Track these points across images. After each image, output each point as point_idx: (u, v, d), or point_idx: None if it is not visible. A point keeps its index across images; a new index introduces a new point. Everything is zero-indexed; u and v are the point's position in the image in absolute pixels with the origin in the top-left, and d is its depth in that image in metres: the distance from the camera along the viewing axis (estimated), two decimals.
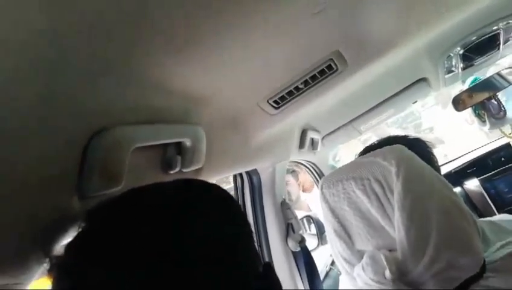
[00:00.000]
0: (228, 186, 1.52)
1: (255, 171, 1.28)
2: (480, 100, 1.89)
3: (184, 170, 0.68)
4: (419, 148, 0.83)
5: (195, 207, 0.43)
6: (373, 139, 1.79)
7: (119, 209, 0.42)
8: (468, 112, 2.48)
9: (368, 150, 0.79)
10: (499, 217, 0.90)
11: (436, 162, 0.89)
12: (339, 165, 2.17)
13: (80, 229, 0.41)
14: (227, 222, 0.45)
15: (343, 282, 0.72)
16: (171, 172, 0.66)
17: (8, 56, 0.34)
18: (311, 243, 1.47)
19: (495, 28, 1.23)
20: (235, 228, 0.46)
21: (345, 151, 2.93)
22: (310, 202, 2.36)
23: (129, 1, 0.38)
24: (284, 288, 0.46)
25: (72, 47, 0.39)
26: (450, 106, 1.95)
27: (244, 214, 0.52)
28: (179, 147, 0.67)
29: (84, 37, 0.39)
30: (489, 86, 1.80)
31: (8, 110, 0.38)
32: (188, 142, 0.66)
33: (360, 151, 0.85)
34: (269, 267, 0.46)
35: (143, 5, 0.40)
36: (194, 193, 0.46)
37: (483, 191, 1.78)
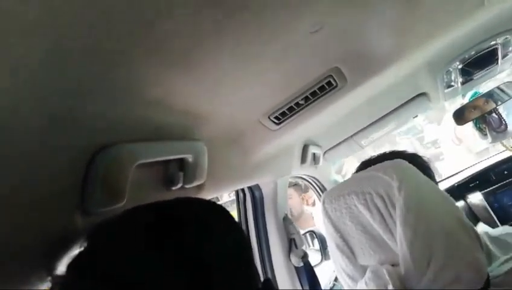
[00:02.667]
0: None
1: (257, 186, 1.28)
2: (481, 114, 1.90)
3: (186, 186, 0.68)
4: (417, 163, 0.83)
5: (198, 222, 0.44)
6: None
7: (120, 228, 0.42)
8: (456, 132, 2.52)
9: (365, 164, 0.79)
10: (501, 229, 0.90)
11: (434, 177, 0.89)
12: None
13: (82, 249, 0.42)
14: (230, 236, 0.46)
15: None
16: (174, 188, 0.67)
17: (9, 74, 0.35)
18: (314, 258, 1.46)
19: (493, 43, 1.24)
20: (237, 241, 0.46)
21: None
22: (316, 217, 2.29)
23: (130, 15, 0.39)
24: None
25: (74, 61, 0.40)
26: (444, 122, 1.97)
27: (243, 229, 0.53)
28: (181, 163, 0.67)
29: (85, 49, 0.39)
30: (490, 99, 1.82)
31: (12, 129, 0.38)
32: (190, 159, 0.67)
33: (358, 166, 0.85)
34: (269, 282, 0.46)
35: (144, 19, 0.40)
36: (195, 209, 0.47)
37: (487, 205, 1.77)
